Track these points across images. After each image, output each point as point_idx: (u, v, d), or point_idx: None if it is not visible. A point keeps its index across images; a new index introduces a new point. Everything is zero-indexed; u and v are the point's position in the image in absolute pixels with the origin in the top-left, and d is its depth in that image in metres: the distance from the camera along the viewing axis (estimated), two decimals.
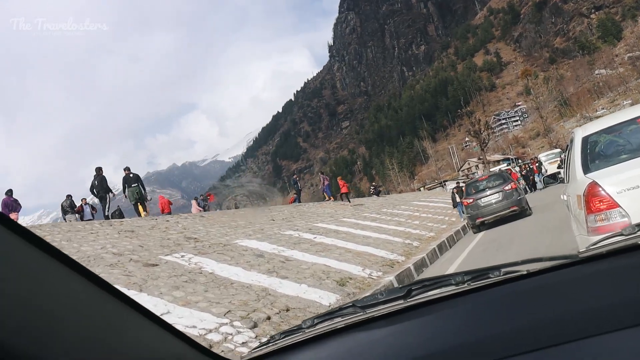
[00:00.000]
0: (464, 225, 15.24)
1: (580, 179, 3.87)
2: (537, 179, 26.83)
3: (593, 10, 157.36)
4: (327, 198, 23.00)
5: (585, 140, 4.17)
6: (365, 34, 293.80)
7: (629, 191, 3.39)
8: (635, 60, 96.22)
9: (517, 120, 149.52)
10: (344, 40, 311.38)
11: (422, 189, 77.36)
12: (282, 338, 1.29)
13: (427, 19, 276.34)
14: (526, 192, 22.80)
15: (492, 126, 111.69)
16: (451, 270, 8.20)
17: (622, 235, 1.16)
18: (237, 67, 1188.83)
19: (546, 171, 25.77)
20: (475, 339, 0.89)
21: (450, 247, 12.24)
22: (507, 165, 33.66)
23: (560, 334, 0.79)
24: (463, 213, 16.47)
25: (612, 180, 3.53)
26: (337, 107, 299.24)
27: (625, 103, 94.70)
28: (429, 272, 9.10)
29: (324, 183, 24.00)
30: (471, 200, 13.91)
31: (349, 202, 21.99)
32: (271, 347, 1.25)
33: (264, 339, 1.06)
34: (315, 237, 10.79)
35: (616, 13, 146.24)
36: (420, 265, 9.41)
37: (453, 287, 1.16)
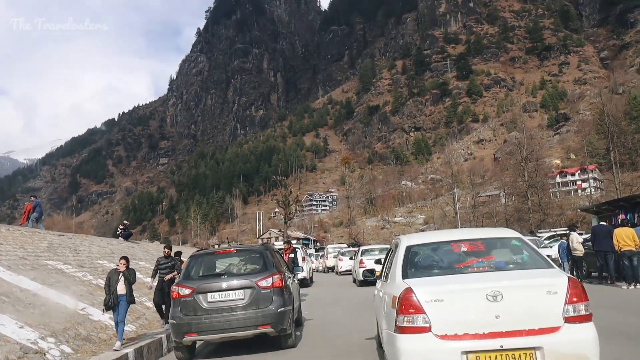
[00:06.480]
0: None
1: (398, 282, 4.38)
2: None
3: (413, 130, 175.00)
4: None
5: (408, 249, 4.75)
6: (210, 80, 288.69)
7: (434, 302, 3.92)
8: (435, 182, 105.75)
9: (326, 205, 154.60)
10: (187, 79, 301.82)
11: (216, 246, 71.57)
12: None
13: (273, 88, 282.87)
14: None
15: (303, 204, 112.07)
16: None
17: None
18: (70, 66, 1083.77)
19: (310, 264, 21.19)
20: None
21: None
22: (290, 244, 28.57)
23: None
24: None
25: (424, 290, 4.03)
26: (160, 141, 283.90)
27: (419, 216, 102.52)
28: None
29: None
30: (188, 292, 6.93)
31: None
32: None
33: None
34: None
35: (430, 138, 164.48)
36: None
37: None
